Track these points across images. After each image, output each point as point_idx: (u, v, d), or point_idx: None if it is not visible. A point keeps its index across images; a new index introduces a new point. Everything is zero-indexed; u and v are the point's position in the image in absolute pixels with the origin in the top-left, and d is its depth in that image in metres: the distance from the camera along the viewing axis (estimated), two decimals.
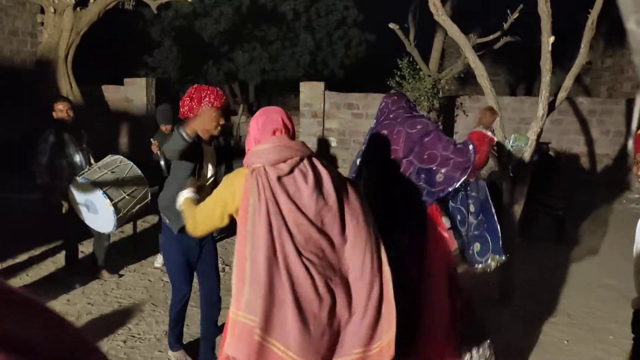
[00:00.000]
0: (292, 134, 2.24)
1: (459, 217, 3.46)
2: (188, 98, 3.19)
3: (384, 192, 3.26)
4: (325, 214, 2.10)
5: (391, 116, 3.38)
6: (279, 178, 2.07)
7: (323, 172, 2.15)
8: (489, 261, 3.60)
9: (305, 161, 2.12)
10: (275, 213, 2.04)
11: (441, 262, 3.20)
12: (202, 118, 3.13)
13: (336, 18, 15.26)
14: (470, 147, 3.19)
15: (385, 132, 3.32)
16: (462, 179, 3.16)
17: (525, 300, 4.95)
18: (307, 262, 2.03)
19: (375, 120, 3.54)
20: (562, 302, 4.98)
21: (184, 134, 3.02)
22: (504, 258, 3.65)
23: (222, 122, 3.29)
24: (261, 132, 2.18)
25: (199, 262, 3.52)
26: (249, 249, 2.04)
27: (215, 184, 3.39)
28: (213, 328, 3.61)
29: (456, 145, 3.21)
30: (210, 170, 3.41)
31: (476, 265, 3.60)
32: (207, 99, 3.14)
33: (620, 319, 4.53)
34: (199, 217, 2.34)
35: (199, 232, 2.43)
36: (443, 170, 3.17)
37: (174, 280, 3.54)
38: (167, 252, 3.52)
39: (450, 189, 3.19)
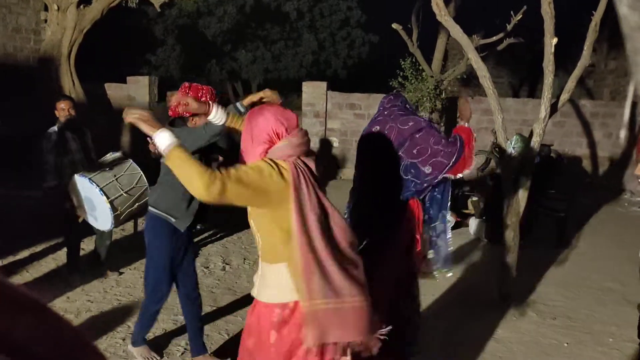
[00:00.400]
0: None
1: (426, 216, 3.50)
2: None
3: (372, 186, 3.31)
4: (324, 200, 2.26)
5: (385, 113, 3.45)
6: (315, 167, 2.22)
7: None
8: (436, 273, 3.65)
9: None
10: (320, 199, 2.17)
11: (407, 257, 3.30)
12: (198, 117, 3.19)
13: (339, 18, 15.26)
14: (459, 140, 3.29)
15: (377, 127, 3.38)
16: (451, 165, 3.24)
17: (525, 301, 4.94)
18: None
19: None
20: (562, 305, 4.97)
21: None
22: (450, 273, 3.69)
23: None
24: (282, 127, 2.20)
25: (181, 262, 3.55)
26: (311, 239, 2.10)
27: None
28: (199, 322, 3.67)
29: (447, 139, 3.29)
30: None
31: (433, 269, 3.62)
32: (203, 98, 3.19)
33: (621, 322, 4.53)
34: (232, 182, 2.07)
35: (214, 200, 2.09)
36: (432, 161, 3.23)
37: (158, 279, 3.49)
38: (156, 251, 3.46)
39: (440, 176, 3.26)
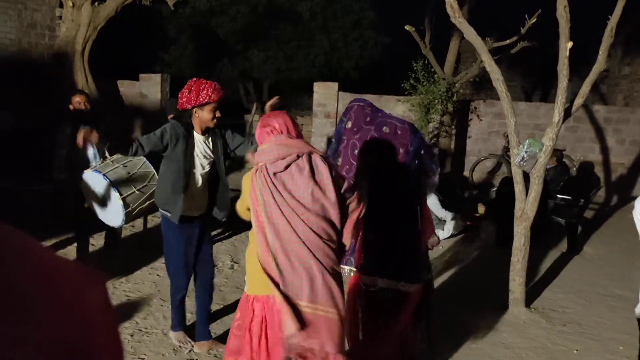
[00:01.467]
0: (295, 134, 2.52)
1: None
2: (187, 90, 3.35)
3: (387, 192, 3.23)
4: (324, 200, 2.38)
5: (368, 119, 3.41)
6: (275, 174, 2.39)
7: (321, 166, 2.42)
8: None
9: (304, 157, 2.40)
10: (281, 202, 2.35)
11: None
12: (200, 110, 3.36)
13: (352, 19, 15.26)
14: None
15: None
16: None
17: (534, 307, 4.90)
18: (307, 243, 2.35)
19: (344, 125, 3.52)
20: (573, 311, 4.93)
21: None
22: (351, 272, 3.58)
23: (218, 115, 3.44)
24: (260, 134, 2.54)
25: (198, 251, 3.69)
26: (270, 235, 2.36)
27: (214, 174, 3.61)
28: (209, 310, 3.85)
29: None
30: (204, 162, 3.52)
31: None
32: (204, 91, 3.32)
33: (632, 330, 4.47)
34: (238, 206, 2.70)
35: (241, 215, 2.73)
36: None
37: (177, 268, 3.64)
38: (169, 242, 3.62)
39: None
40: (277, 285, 2.31)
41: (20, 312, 0.47)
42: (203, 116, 3.39)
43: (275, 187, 2.37)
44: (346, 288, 2.93)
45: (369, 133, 3.37)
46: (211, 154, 3.55)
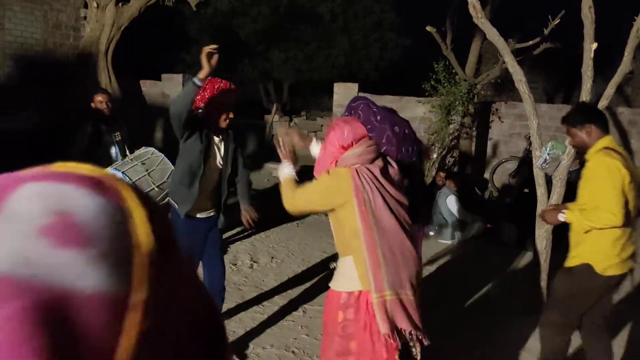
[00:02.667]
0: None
1: None
2: (202, 90, 3.29)
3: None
4: (402, 196, 2.62)
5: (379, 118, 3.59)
6: (381, 170, 2.55)
7: (394, 163, 2.71)
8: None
9: (382, 156, 2.64)
10: (389, 198, 2.51)
11: None
12: (213, 109, 3.31)
13: (373, 20, 15.22)
14: None
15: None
16: None
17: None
18: (407, 235, 2.55)
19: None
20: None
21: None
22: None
23: (231, 115, 3.37)
24: (348, 140, 2.60)
25: (205, 252, 3.57)
26: (377, 236, 2.45)
27: (221, 176, 3.53)
28: None
29: None
30: (218, 161, 3.47)
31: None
32: (219, 91, 3.29)
33: None
34: (298, 199, 2.66)
35: (296, 212, 2.74)
36: None
37: None
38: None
39: None
40: (379, 280, 2.42)
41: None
42: (216, 117, 3.36)
43: (382, 184, 2.52)
44: None
45: (384, 132, 3.54)
46: (221, 158, 3.47)
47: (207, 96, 3.27)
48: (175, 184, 3.46)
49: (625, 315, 4.65)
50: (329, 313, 2.63)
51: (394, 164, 2.69)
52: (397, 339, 2.41)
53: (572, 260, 3.22)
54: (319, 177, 2.64)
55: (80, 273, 0.40)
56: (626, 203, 2.97)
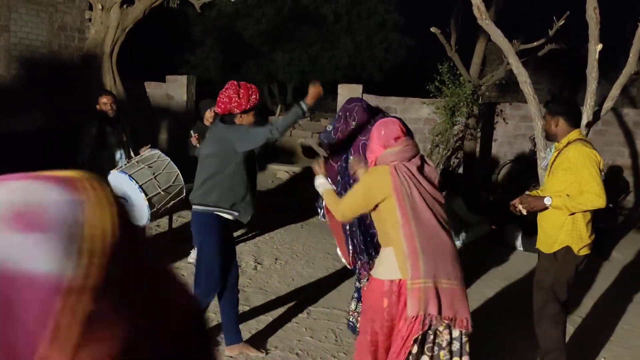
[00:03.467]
0: (411, 136, 3.00)
1: None
2: (235, 95, 3.35)
3: None
4: (437, 192, 2.84)
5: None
6: (417, 168, 2.76)
7: (429, 161, 2.90)
8: None
9: (419, 155, 2.85)
10: (424, 193, 2.71)
11: None
12: (245, 115, 3.41)
13: (377, 21, 15.22)
14: None
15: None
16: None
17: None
18: (444, 228, 2.79)
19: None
20: (601, 318, 4.84)
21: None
22: None
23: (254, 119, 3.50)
24: (387, 139, 2.82)
25: (227, 256, 3.67)
26: (415, 228, 2.64)
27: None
28: (237, 315, 3.76)
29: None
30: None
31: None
32: (253, 96, 3.38)
33: None
34: (344, 207, 2.90)
35: (346, 220, 3.07)
36: None
37: (210, 271, 3.56)
38: (207, 242, 3.55)
39: None
40: (416, 269, 2.60)
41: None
42: (248, 120, 3.44)
43: (419, 181, 2.72)
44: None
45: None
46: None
47: (243, 102, 3.37)
48: (238, 197, 3.52)
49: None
50: (371, 299, 2.81)
51: (430, 163, 2.89)
52: (423, 325, 2.59)
53: (553, 246, 3.43)
54: (359, 180, 2.94)
55: (31, 255, 0.44)
56: None
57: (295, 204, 8.49)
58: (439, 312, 2.61)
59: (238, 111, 3.36)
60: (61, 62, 10.88)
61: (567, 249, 3.39)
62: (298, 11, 14.17)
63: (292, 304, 4.69)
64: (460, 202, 7.17)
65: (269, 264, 5.75)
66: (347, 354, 3.88)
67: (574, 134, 3.41)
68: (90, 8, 10.81)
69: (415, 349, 2.63)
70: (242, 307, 4.47)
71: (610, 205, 7.02)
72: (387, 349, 2.74)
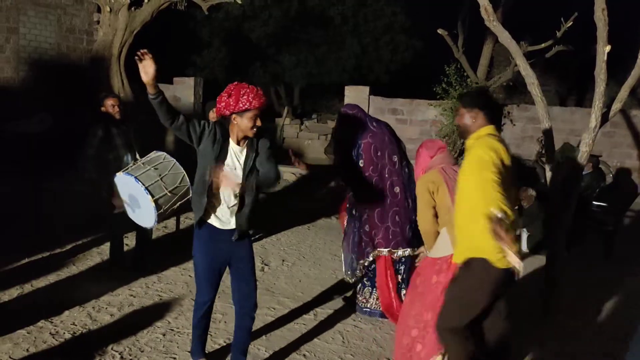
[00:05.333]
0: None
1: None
2: (226, 95, 3.09)
3: None
4: None
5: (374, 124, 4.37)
6: (454, 172, 3.42)
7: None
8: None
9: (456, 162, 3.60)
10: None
11: None
12: (239, 118, 3.08)
13: (383, 23, 15.20)
14: None
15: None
16: None
17: (569, 317, 4.81)
18: None
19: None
20: (609, 321, 4.81)
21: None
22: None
23: (258, 123, 3.12)
24: (433, 151, 3.62)
25: (233, 266, 3.37)
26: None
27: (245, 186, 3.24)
28: (246, 336, 3.46)
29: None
30: (239, 172, 3.21)
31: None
32: (245, 97, 3.03)
33: None
34: (421, 220, 3.54)
35: (431, 229, 3.48)
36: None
37: (198, 282, 3.40)
38: (194, 251, 3.36)
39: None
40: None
41: None
42: (242, 124, 3.08)
43: (456, 180, 3.21)
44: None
45: (384, 135, 4.30)
46: (241, 169, 3.22)
47: (232, 103, 3.05)
48: (193, 193, 3.40)
49: None
50: (422, 276, 3.43)
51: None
52: None
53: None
54: (419, 196, 3.54)
55: None
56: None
57: (302, 205, 8.50)
58: None
59: (227, 113, 3.07)
60: (69, 64, 10.95)
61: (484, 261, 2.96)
62: (305, 13, 14.17)
63: (299, 305, 4.70)
64: None
65: (276, 265, 5.76)
66: (354, 355, 3.88)
67: (485, 130, 3.04)
68: (99, 10, 10.88)
69: None
70: None
71: (619, 208, 6.99)
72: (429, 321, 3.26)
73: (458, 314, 3.00)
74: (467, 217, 2.91)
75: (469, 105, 3.08)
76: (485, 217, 2.63)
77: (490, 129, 3.06)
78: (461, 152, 9.84)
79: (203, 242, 3.33)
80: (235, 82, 3.20)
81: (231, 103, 3.06)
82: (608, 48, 4.30)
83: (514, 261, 2.60)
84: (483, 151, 2.90)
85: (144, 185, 4.10)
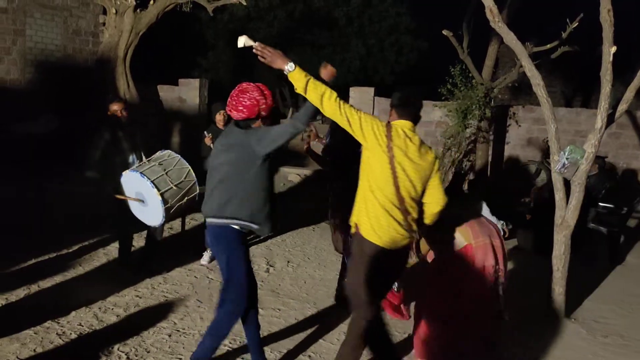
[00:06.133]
0: None
1: None
2: (262, 97, 3.23)
3: None
4: None
5: None
6: None
7: None
8: None
9: None
10: None
11: None
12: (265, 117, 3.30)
13: (388, 24, 15.20)
14: None
15: None
16: None
17: (575, 318, 4.79)
18: None
19: None
20: (615, 322, 4.79)
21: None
22: None
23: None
24: None
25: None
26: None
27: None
28: (260, 340, 3.53)
29: None
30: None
31: None
32: (271, 97, 3.29)
33: None
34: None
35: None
36: None
37: (242, 291, 3.28)
38: (239, 262, 3.29)
39: None
40: (476, 232, 3.39)
41: None
42: (266, 121, 3.28)
43: None
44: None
45: None
46: None
47: (269, 103, 3.26)
48: (259, 207, 3.26)
49: None
50: (442, 270, 3.50)
51: None
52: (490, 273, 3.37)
53: None
54: None
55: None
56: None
57: (307, 206, 8.50)
58: (495, 262, 3.37)
59: (265, 114, 3.22)
60: (75, 66, 10.99)
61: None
62: (309, 14, 14.19)
63: (304, 306, 4.70)
64: (486, 206, 7.11)
65: (281, 266, 5.76)
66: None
67: (400, 123, 3.23)
68: (104, 12, 10.92)
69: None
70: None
71: (625, 209, 6.96)
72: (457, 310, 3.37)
73: (353, 280, 3.25)
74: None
75: (390, 105, 3.40)
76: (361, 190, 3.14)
77: (403, 123, 3.22)
78: (466, 154, 9.84)
79: (242, 246, 3.36)
80: (251, 84, 3.31)
81: (268, 103, 3.26)
82: (614, 49, 4.28)
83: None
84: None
85: (149, 179, 4.09)
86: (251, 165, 3.17)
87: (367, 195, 3.08)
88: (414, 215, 3.11)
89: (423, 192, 3.13)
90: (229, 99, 3.33)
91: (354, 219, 3.18)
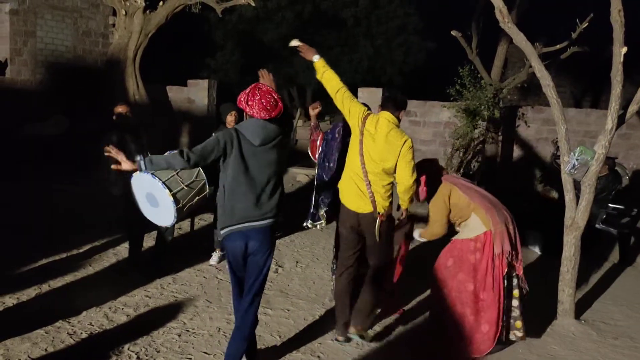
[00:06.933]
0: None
1: None
2: (274, 101, 3.30)
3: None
4: None
5: None
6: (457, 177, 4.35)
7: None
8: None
9: None
10: (470, 185, 4.20)
11: None
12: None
13: (396, 25, 15.17)
14: None
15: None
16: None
17: (584, 319, 4.77)
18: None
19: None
20: (625, 324, 4.77)
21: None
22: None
23: None
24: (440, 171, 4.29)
25: (245, 276, 3.46)
26: (479, 198, 3.99)
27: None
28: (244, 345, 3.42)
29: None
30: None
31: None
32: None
33: None
34: (433, 229, 4.12)
35: (440, 236, 4.13)
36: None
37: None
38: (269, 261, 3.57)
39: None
40: (494, 217, 3.84)
41: None
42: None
43: (462, 183, 4.17)
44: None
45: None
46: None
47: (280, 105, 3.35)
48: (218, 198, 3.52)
49: None
50: (455, 257, 3.92)
51: None
52: (505, 261, 3.77)
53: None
54: (430, 205, 4.10)
55: None
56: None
57: None
58: (511, 248, 3.78)
59: (275, 116, 3.30)
60: (85, 67, 11.07)
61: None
62: (318, 15, 14.19)
63: (313, 306, 4.71)
64: None
65: (290, 267, 5.78)
66: (368, 357, 3.88)
67: (383, 114, 4.02)
68: (114, 14, 10.99)
69: (506, 284, 3.83)
70: (263, 310, 4.50)
71: (635, 211, 6.91)
72: (470, 295, 3.82)
73: (336, 237, 4.33)
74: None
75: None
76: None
77: (382, 113, 4.01)
78: (475, 154, 9.81)
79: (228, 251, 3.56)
80: (262, 87, 3.36)
81: (280, 106, 3.36)
82: (624, 50, 4.26)
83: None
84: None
85: (160, 180, 4.11)
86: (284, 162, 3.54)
87: (346, 168, 3.97)
88: (377, 188, 3.80)
89: (395, 171, 3.81)
90: (260, 99, 3.27)
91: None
